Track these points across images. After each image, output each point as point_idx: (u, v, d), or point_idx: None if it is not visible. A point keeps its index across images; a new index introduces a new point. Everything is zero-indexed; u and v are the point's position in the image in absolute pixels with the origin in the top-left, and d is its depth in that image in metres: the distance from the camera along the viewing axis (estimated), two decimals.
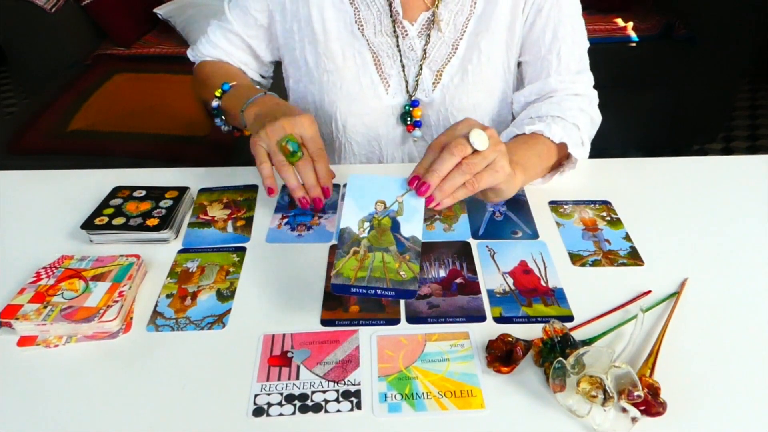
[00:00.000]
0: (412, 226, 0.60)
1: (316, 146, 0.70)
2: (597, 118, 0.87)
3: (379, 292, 0.56)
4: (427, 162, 0.61)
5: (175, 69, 2.05)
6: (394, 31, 0.86)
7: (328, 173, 0.71)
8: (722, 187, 0.80)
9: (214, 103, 0.84)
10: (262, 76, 1.00)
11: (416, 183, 0.61)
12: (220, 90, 0.84)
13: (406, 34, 0.86)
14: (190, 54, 1.00)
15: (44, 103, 1.85)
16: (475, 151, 0.60)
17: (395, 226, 0.61)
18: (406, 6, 0.85)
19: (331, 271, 0.57)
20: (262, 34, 0.93)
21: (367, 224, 0.61)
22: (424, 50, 0.87)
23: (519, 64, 0.90)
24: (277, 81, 1.03)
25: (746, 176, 0.82)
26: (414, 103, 0.90)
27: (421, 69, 0.88)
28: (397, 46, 0.87)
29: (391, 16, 0.85)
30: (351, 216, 0.61)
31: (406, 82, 0.89)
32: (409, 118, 0.90)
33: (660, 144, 2.29)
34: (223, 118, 0.86)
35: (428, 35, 0.86)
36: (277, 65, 1.01)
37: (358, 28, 0.86)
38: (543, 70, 0.86)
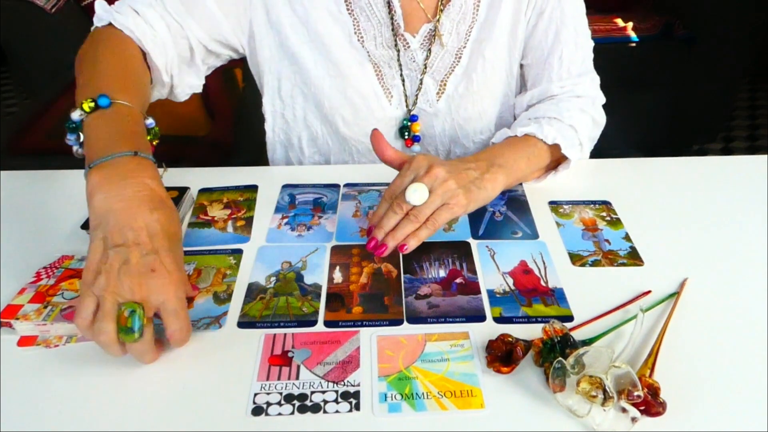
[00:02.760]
0: (315, 277, 0.66)
1: (177, 326, 0.53)
2: (600, 119, 0.86)
3: (282, 324, 0.60)
4: (380, 212, 0.67)
5: None
6: (396, 44, 0.84)
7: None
8: (722, 187, 0.80)
9: (75, 115, 0.62)
10: (217, 55, 0.84)
11: (369, 235, 0.66)
12: (91, 102, 0.61)
13: (408, 47, 0.84)
14: (99, 19, 0.75)
15: (44, 103, 1.85)
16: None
17: (299, 278, 0.66)
18: (407, 18, 0.83)
19: (239, 312, 0.62)
20: (233, 16, 0.80)
21: (273, 278, 0.66)
22: (425, 64, 0.85)
23: (521, 67, 0.90)
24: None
25: (746, 176, 0.82)
26: (413, 118, 0.88)
27: (421, 83, 0.87)
28: (398, 59, 0.85)
29: (392, 28, 0.83)
30: (258, 273, 0.67)
31: (406, 96, 0.88)
32: (407, 133, 0.89)
33: (660, 144, 2.29)
34: (80, 137, 0.62)
35: (429, 49, 0.84)
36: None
37: (358, 40, 0.84)
38: (544, 73, 0.85)
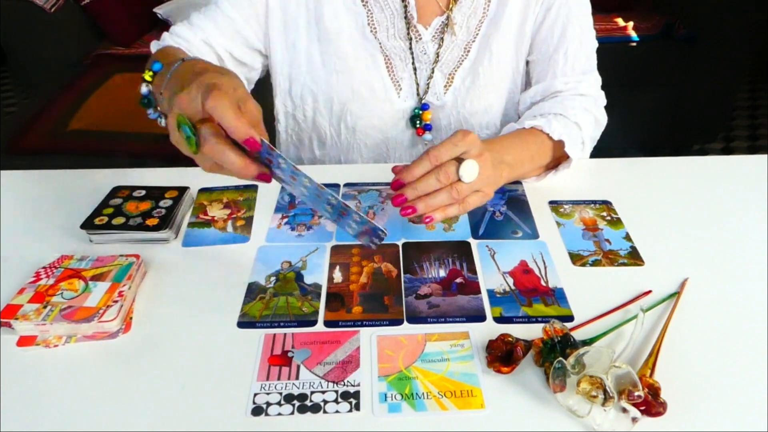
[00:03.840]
0: (315, 276, 0.66)
1: (230, 123, 0.51)
2: (602, 118, 0.87)
3: (282, 324, 0.60)
4: (417, 171, 0.62)
5: None
6: (408, 35, 0.85)
7: (246, 130, 0.52)
8: (722, 187, 0.80)
9: (143, 89, 0.67)
10: (245, 63, 0.88)
11: (396, 188, 0.62)
12: (149, 72, 0.67)
13: (420, 38, 0.85)
14: (154, 44, 0.83)
15: (44, 103, 1.86)
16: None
17: (299, 278, 0.66)
18: (420, 10, 0.84)
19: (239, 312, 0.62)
20: (253, 18, 0.84)
21: (273, 278, 0.66)
22: (437, 53, 0.86)
23: (527, 63, 0.90)
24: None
25: (746, 176, 0.82)
26: (424, 107, 0.89)
27: (433, 72, 0.87)
28: (410, 49, 0.86)
29: (405, 19, 0.84)
30: (258, 273, 0.66)
31: (417, 85, 0.88)
32: (419, 122, 0.90)
33: (660, 144, 2.29)
34: (157, 108, 0.69)
35: (441, 39, 0.85)
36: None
37: (371, 31, 0.85)
38: (549, 69, 0.86)
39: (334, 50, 0.85)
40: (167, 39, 0.83)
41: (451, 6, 0.84)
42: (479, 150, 0.65)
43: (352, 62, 0.86)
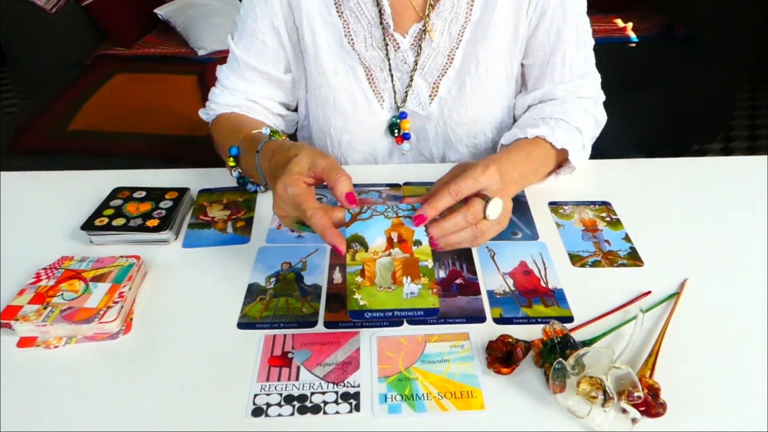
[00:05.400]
0: (315, 277, 0.66)
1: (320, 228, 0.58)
2: (602, 118, 0.86)
3: (282, 324, 0.60)
4: (440, 205, 0.59)
5: (175, 69, 2.05)
6: (386, 45, 0.83)
7: (334, 237, 0.58)
8: (722, 187, 0.80)
9: (235, 174, 0.78)
10: (288, 108, 0.93)
11: (418, 220, 0.59)
12: (231, 158, 0.77)
13: (398, 47, 0.83)
14: (203, 114, 0.90)
15: (44, 103, 1.86)
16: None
17: (299, 278, 0.66)
18: (396, 18, 0.82)
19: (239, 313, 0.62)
20: (274, 56, 0.86)
21: (273, 279, 0.66)
22: (416, 61, 0.84)
23: (521, 66, 0.89)
24: None
25: (746, 176, 0.82)
26: (402, 115, 0.87)
27: (411, 80, 0.85)
28: (388, 59, 0.84)
29: (382, 28, 0.82)
30: (258, 274, 0.67)
31: (395, 93, 0.86)
32: (397, 130, 0.88)
33: (660, 144, 2.29)
34: (250, 181, 0.80)
35: (420, 46, 0.83)
36: None
37: (348, 42, 0.83)
38: (547, 74, 0.84)
39: (315, 65, 0.84)
40: (217, 109, 0.87)
41: (428, 11, 0.81)
42: (499, 185, 0.62)
43: (332, 77, 0.85)
